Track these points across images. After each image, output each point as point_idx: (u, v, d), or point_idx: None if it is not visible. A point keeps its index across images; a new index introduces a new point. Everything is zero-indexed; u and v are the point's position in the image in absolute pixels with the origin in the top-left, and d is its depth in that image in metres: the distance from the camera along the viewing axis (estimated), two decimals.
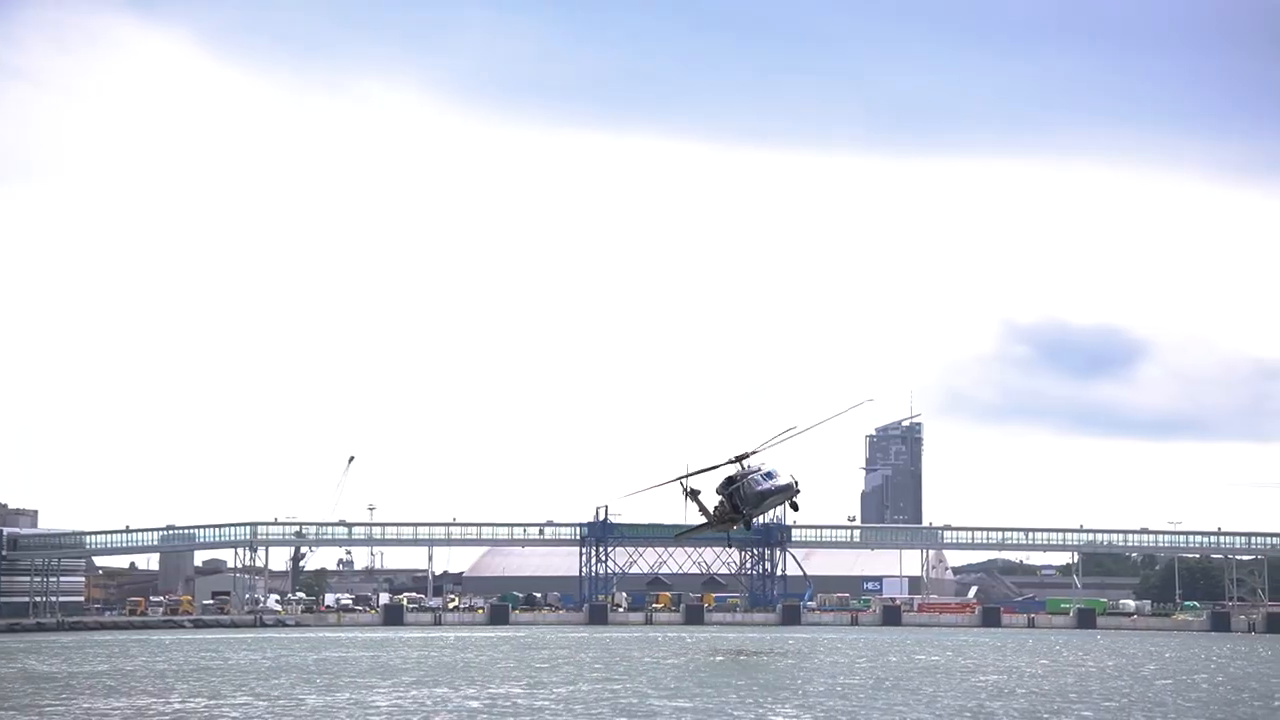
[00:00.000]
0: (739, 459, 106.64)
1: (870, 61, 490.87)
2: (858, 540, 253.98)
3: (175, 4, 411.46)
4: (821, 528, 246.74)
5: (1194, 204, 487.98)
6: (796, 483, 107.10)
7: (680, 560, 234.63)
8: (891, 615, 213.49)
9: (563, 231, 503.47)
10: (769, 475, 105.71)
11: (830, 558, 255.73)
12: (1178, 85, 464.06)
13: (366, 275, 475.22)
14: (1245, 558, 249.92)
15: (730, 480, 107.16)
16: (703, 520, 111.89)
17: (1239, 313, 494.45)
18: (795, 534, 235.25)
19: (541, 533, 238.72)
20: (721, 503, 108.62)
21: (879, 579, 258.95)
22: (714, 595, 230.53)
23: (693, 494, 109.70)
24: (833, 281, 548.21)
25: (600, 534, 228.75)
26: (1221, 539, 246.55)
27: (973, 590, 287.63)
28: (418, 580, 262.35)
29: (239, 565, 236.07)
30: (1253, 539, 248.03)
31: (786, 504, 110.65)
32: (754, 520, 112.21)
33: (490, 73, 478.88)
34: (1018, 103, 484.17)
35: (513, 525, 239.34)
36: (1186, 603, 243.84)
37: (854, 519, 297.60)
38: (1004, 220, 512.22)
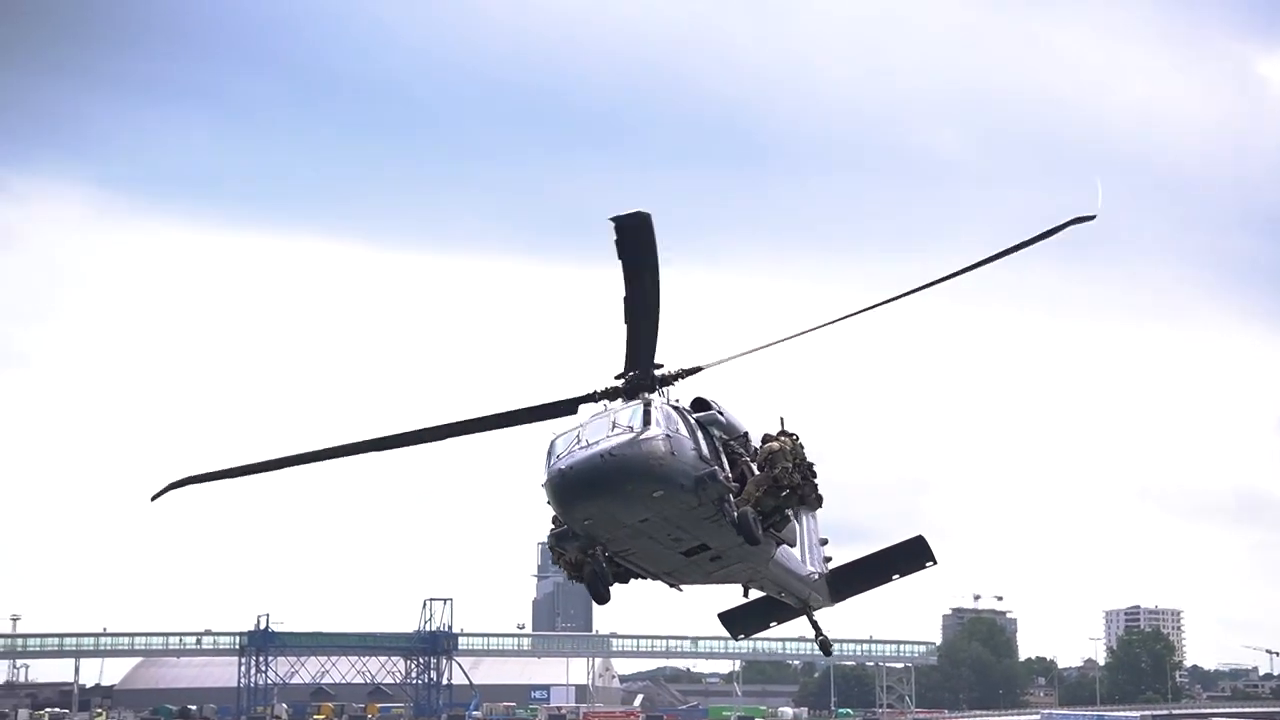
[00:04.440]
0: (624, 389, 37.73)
1: (540, 170, 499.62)
2: (527, 648, 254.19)
3: None
4: (489, 635, 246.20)
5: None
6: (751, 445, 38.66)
7: (344, 670, 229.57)
8: None
9: (225, 331, 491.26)
10: (615, 431, 35.65)
11: (498, 666, 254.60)
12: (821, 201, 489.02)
13: (11, 370, 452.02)
14: (896, 665, 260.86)
15: None
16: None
17: (895, 427, 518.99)
18: (463, 642, 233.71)
19: (199, 642, 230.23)
20: None
21: (547, 687, 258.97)
22: (379, 705, 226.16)
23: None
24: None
25: (261, 643, 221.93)
26: (874, 647, 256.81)
27: (638, 699, 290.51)
28: (65, 695, 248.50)
29: None
30: (901, 647, 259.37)
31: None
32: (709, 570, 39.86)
33: (148, 172, 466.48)
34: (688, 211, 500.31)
35: (168, 634, 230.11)
36: (840, 710, 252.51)
37: (523, 626, 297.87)
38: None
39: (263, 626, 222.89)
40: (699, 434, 36.58)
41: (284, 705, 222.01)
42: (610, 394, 37.35)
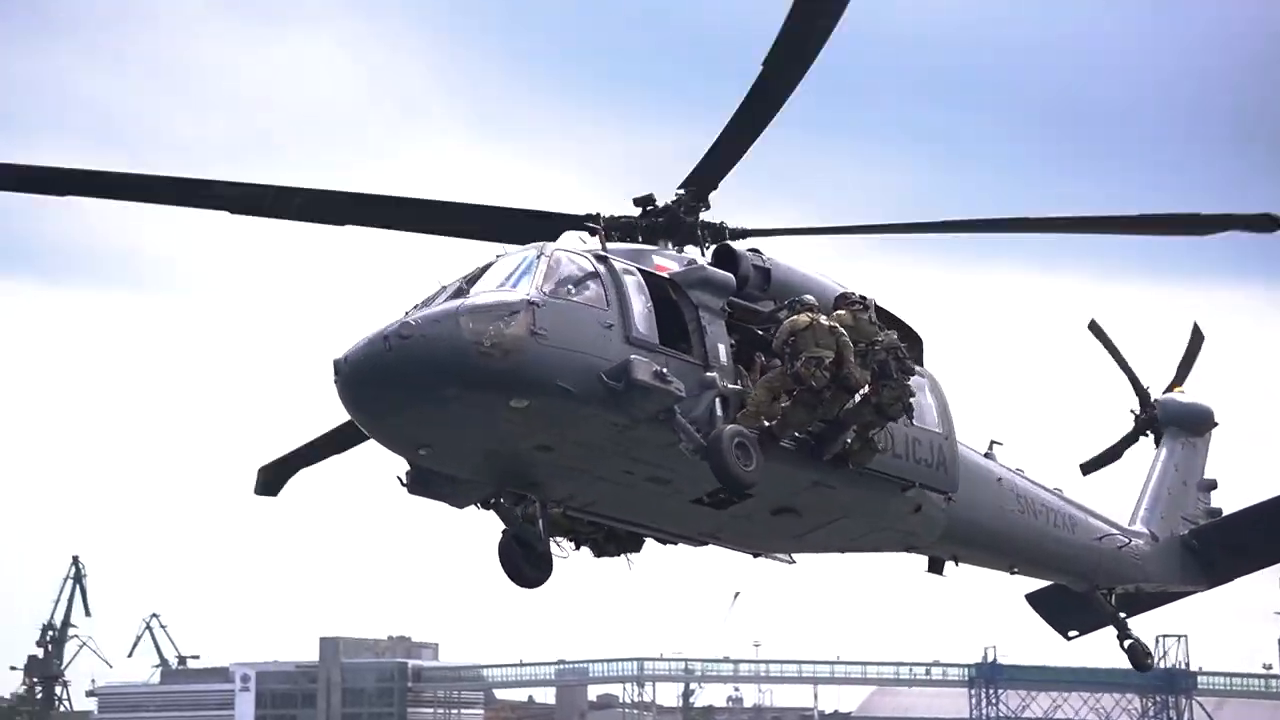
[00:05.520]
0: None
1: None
2: (1276, 690, 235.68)
3: None
4: (1233, 675, 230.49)
5: None
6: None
7: (1076, 706, 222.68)
8: None
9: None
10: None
11: (1245, 709, 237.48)
12: None
13: None
14: None
15: None
16: None
17: None
18: (1201, 681, 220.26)
19: (928, 672, 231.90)
20: None
21: None
22: None
23: None
24: None
25: (989, 675, 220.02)
26: None
27: None
28: (806, 719, 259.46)
29: (629, 701, 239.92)
30: None
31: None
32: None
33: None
34: None
35: (898, 664, 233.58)
36: None
37: (1270, 666, 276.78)
38: None
39: (990, 659, 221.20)
40: (635, 303, 22.77)
41: None
42: (620, 227, 25.40)
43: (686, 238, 25.75)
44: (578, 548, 26.03)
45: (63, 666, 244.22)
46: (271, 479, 29.05)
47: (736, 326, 24.72)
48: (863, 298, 24.94)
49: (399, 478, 23.28)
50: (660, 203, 25.54)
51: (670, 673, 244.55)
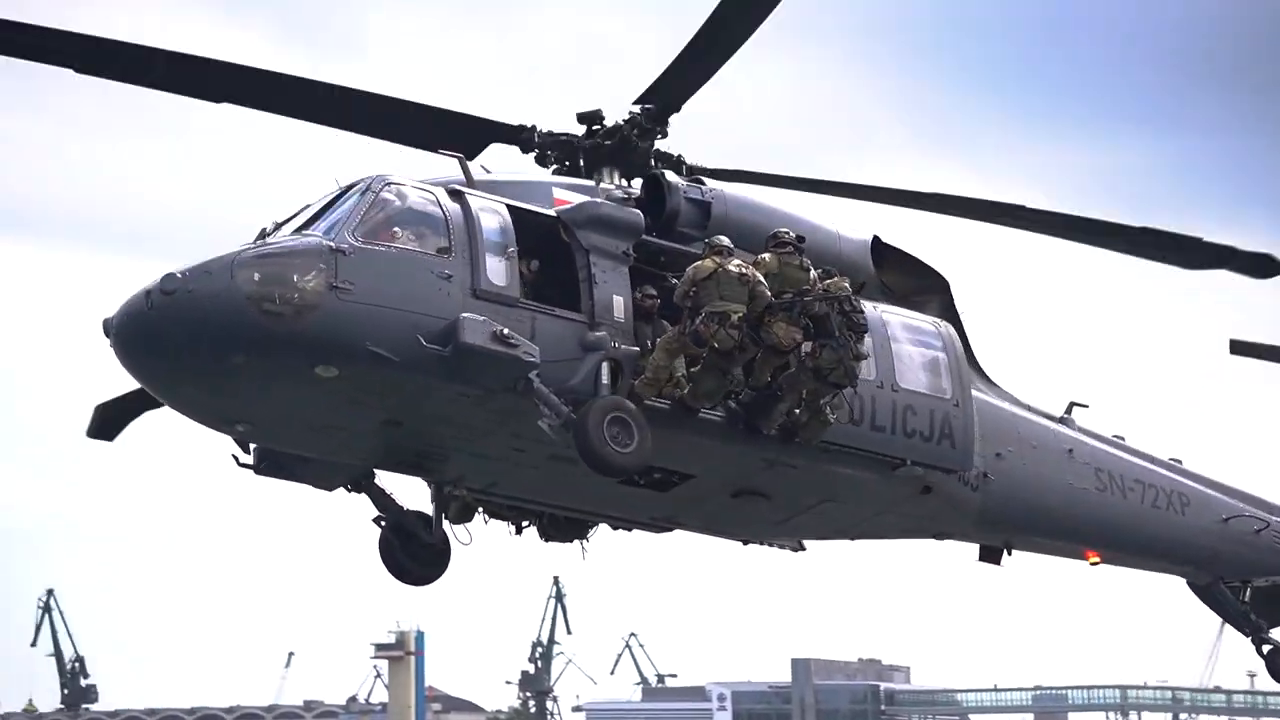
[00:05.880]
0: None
1: None
2: None
3: None
4: None
5: None
6: None
7: None
8: None
9: None
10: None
11: None
12: None
13: None
14: None
15: None
16: None
17: None
18: None
19: None
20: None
21: None
22: None
23: None
24: None
25: None
26: None
27: None
28: None
29: None
30: None
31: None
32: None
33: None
34: None
35: None
36: None
37: None
38: None
39: None
40: (490, 248, 18.92)
41: None
42: (558, 146, 21.52)
43: (636, 167, 21.43)
44: (519, 532, 22.33)
45: (551, 682, 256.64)
46: (105, 421, 22.72)
47: (657, 275, 20.62)
48: (799, 237, 20.32)
49: (233, 456, 20.06)
50: (610, 122, 21.34)
51: (1156, 701, 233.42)
